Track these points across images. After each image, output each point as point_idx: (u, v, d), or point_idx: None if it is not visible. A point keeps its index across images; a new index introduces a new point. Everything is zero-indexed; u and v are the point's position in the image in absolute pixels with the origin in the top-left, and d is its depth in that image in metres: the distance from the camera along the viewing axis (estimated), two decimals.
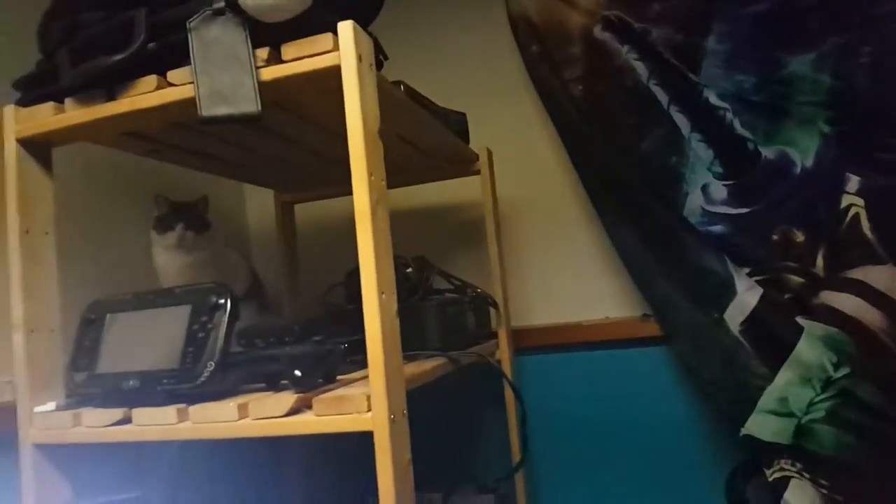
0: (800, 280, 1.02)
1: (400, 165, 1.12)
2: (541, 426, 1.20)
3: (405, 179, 1.19)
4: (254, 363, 0.70)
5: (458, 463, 1.28)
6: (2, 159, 0.75)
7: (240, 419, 0.62)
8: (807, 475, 0.92)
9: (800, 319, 0.97)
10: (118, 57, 0.66)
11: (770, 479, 0.95)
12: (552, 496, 1.25)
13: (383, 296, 0.61)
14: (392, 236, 0.65)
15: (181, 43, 0.63)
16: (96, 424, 0.67)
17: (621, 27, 1.09)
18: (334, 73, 0.62)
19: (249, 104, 0.62)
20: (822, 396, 0.93)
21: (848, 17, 0.99)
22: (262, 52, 0.64)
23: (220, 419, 0.62)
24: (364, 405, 0.59)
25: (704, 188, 1.07)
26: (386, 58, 0.79)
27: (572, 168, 1.22)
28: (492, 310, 1.16)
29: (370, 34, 0.68)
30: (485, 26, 1.31)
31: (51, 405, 0.71)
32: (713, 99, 1.05)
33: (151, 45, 0.66)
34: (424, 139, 1.01)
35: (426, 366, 0.80)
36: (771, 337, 0.98)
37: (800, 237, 1.02)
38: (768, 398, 0.96)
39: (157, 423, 0.64)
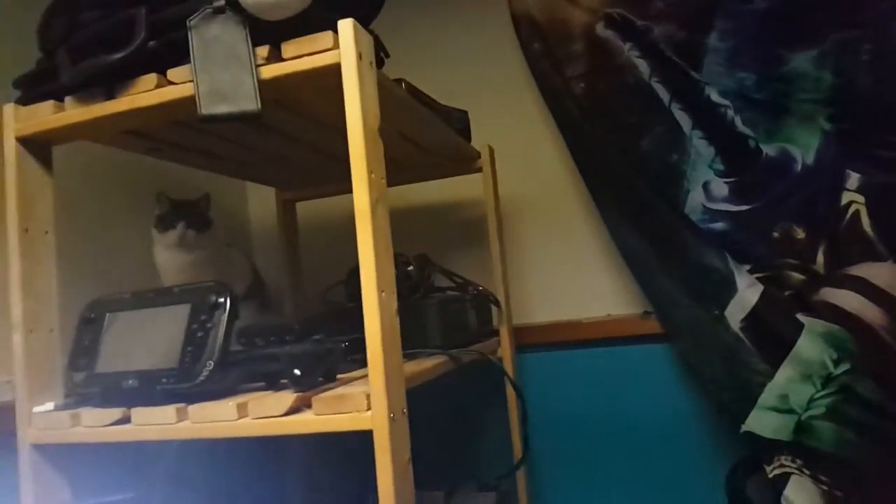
0: (800, 277, 1.02)
1: (401, 163, 1.12)
2: (542, 423, 1.21)
3: (407, 177, 1.19)
4: (253, 362, 0.70)
5: (459, 461, 1.28)
6: (1, 158, 0.74)
7: (239, 418, 0.62)
8: (807, 471, 0.92)
9: (800, 316, 0.97)
10: (118, 55, 0.66)
11: (770, 476, 0.95)
12: (553, 493, 1.25)
13: (383, 294, 0.61)
14: (393, 234, 0.65)
15: (181, 41, 0.63)
16: (95, 424, 0.67)
17: (623, 25, 1.09)
18: (334, 71, 0.62)
19: (249, 102, 0.62)
20: (822, 393, 0.93)
21: (849, 14, 0.99)
22: (263, 51, 0.64)
23: (219, 418, 0.62)
24: (363, 404, 0.59)
25: (705, 185, 1.07)
26: (387, 55, 0.78)
27: (574, 166, 1.22)
28: (493, 307, 1.16)
29: (371, 32, 0.68)
30: (487, 24, 1.31)
31: (49, 405, 0.71)
32: (714, 96, 1.05)
33: (151, 43, 0.66)
34: (426, 137, 1.01)
35: (427, 364, 0.80)
36: (771, 334, 0.98)
37: (800, 234, 1.02)
38: (769, 395, 0.96)
39: (156, 422, 0.64)
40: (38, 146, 0.76)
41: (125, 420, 0.66)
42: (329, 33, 0.62)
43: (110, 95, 0.69)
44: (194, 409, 0.63)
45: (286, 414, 0.61)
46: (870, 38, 0.98)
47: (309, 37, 0.63)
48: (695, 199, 1.07)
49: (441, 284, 1.09)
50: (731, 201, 1.05)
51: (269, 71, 0.64)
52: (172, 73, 0.67)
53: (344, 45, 0.62)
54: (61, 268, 0.76)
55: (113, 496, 0.65)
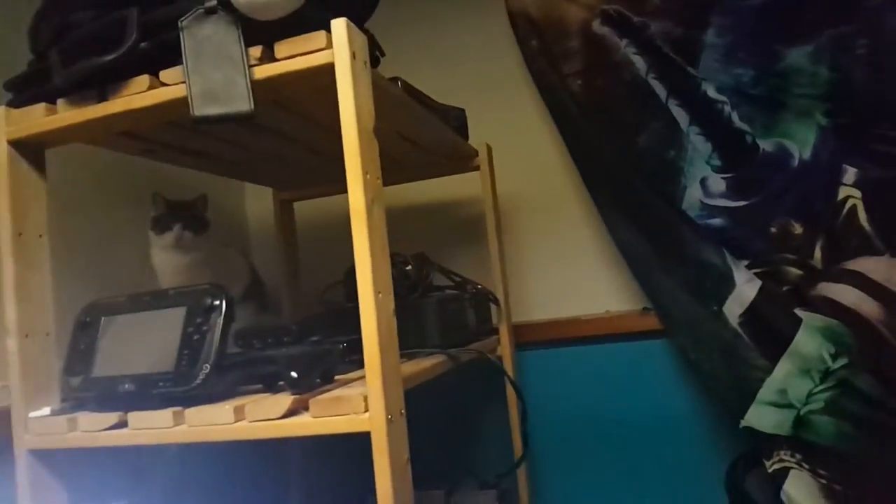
0: (798, 272, 1.02)
1: (399, 162, 1.12)
2: (542, 421, 1.21)
3: (404, 176, 1.19)
4: (250, 364, 0.70)
5: (460, 459, 1.28)
6: None
7: (236, 422, 0.61)
8: (806, 466, 0.93)
9: (798, 311, 0.97)
10: (110, 57, 0.65)
11: (770, 471, 0.95)
12: (554, 490, 1.25)
13: (380, 295, 0.60)
14: (391, 233, 0.65)
15: (173, 42, 0.63)
16: (92, 429, 0.66)
17: (620, 21, 1.09)
18: (328, 70, 0.62)
19: (242, 103, 0.62)
20: (820, 387, 0.93)
21: (844, 9, 0.99)
22: (255, 51, 0.63)
23: (216, 422, 0.62)
24: (361, 406, 0.59)
25: (703, 181, 1.06)
26: (382, 54, 0.78)
27: (572, 163, 1.22)
28: (492, 306, 1.16)
29: (366, 31, 0.68)
30: (484, 21, 1.31)
31: (46, 410, 0.71)
32: (711, 92, 1.05)
33: (143, 44, 0.65)
34: (423, 136, 1.01)
35: (426, 363, 0.80)
36: (770, 329, 0.98)
37: (798, 229, 1.02)
38: (767, 390, 0.96)
39: (153, 426, 0.64)
40: (31, 149, 0.75)
41: (122, 424, 0.66)
42: (322, 33, 0.62)
43: (103, 97, 0.69)
44: (191, 413, 0.63)
45: (283, 416, 0.61)
46: (865, 32, 0.98)
47: (302, 36, 0.63)
48: (692, 195, 1.07)
49: (440, 283, 1.09)
50: (728, 197, 1.05)
51: (262, 71, 0.63)
52: (165, 75, 0.67)
53: (337, 44, 0.62)
54: (56, 271, 0.76)
55: (113, 502, 0.64)
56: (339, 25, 0.62)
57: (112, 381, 0.67)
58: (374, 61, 0.74)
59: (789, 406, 0.94)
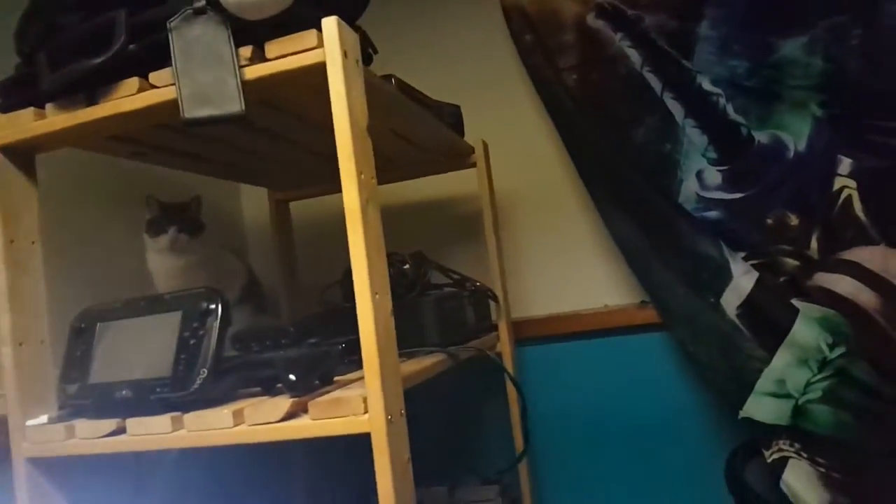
0: (794, 263, 1.02)
1: (394, 160, 1.11)
2: (543, 416, 1.21)
3: (400, 174, 1.18)
4: (248, 368, 0.69)
5: (461, 456, 1.29)
6: None
7: (235, 426, 0.61)
8: (804, 455, 0.93)
9: (795, 301, 0.98)
10: (98, 60, 0.64)
11: (769, 461, 0.96)
12: (556, 484, 1.25)
13: (377, 296, 0.60)
14: (388, 232, 0.64)
15: (162, 43, 0.62)
16: (90, 436, 0.66)
17: (615, 15, 1.08)
18: (320, 70, 0.61)
19: (233, 104, 0.61)
20: (818, 377, 0.94)
21: None
22: (246, 51, 0.63)
23: (215, 426, 0.61)
24: (360, 407, 0.59)
25: (699, 174, 1.06)
26: (375, 52, 0.77)
27: (568, 158, 1.21)
28: (491, 303, 1.16)
29: (358, 28, 0.67)
30: (478, 16, 1.30)
31: (43, 418, 0.70)
32: (706, 85, 1.04)
33: (132, 46, 0.64)
34: (418, 133, 1.00)
35: (425, 362, 0.80)
36: (767, 320, 0.98)
37: (794, 220, 1.02)
38: (766, 380, 0.96)
39: (151, 432, 0.63)
40: (21, 155, 0.74)
41: (120, 431, 0.65)
42: (313, 32, 0.61)
43: (92, 101, 0.68)
44: (190, 418, 0.63)
45: (283, 420, 0.61)
46: (859, 22, 0.98)
47: (292, 36, 0.62)
48: (688, 188, 1.07)
49: (438, 281, 1.09)
50: (724, 189, 1.05)
51: (253, 71, 0.63)
52: (154, 77, 0.66)
53: (328, 43, 0.61)
54: (50, 278, 0.75)
55: None
56: (329, 24, 0.61)
57: (109, 388, 0.67)
58: (367, 59, 0.73)
59: (787, 396, 0.95)
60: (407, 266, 0.99)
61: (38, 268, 0.74)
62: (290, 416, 0.61)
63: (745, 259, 1.02)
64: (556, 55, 1.13)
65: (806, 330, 0.95)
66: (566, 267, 1.28)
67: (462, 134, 1.12)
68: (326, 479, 1.23)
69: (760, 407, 0.97)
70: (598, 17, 1.09)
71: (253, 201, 1.43)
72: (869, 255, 0.98)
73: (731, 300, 0.99)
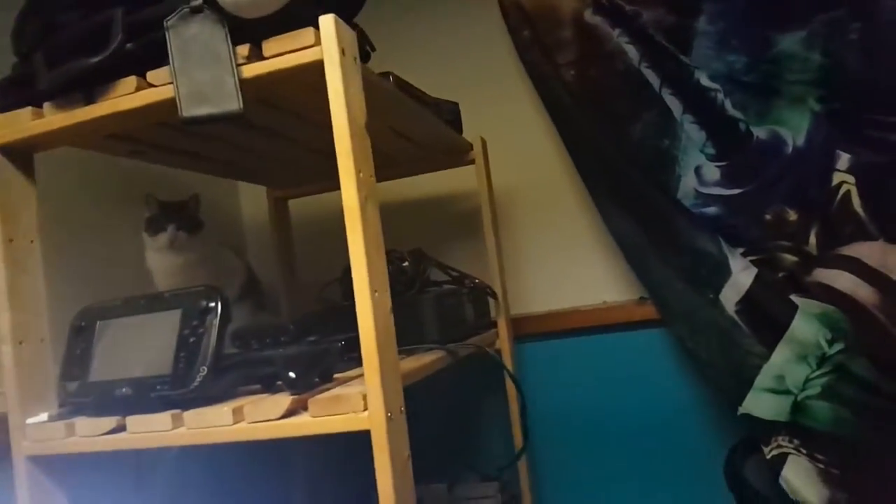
0: (793, 258, 1.02)
1: (393, 157, 1.11)
2: (542, 412, 1.21)
3: (399, 171, 1.18)
4: (248, 365, 0.69)
5: (461, 453, 1.29)
6: None
7: (235, 423, 0.61)
8: (804, 451, 0.93)
9: (794, 297, 0.98)
10: (96, 58, 0.64)
11: (768, 457, 0.96)
12: (555, 481, 1.26)
13: (376, 294, 0.60)
14: (386, 229, 0.65)
15: (160, 42, 0.62)
16: (90, 434, 0.66)
17: (612, 10, 1.08)
18: (317, 68, 0.61)
19: (231, 102, 0.61)
20: (817, 373, 0.94)
21: None
22: (243, 49, 0.63)
23: (215, 424, 0.62)
24: (360, 404, 0.59)
25: (697, 170, 1.06)
26: (373, 49, 0.77)
27: (567, 154, 1.21)
28: (490, 300, 1.16)
29: (356, 26, 0.67)
30: (475, 13, 1.30)
31: (43, 416, 0.71)
32: (704, 80, 1.04)
33: (129, 45, 0.64)
34: (417, 130, 1.00)
35: (425, 359, 0.80)
36: (766, 316, 0.98)
37: (792, 216, 1.02)
38: (765, 376, 0.96)
39: (151, 430, 0.63)
40: (19, 154, 0.74)
41: (120, 429, 0.65)
42: (310, 30, 0.61)
43: (90, 100, 0.68)
44: (190, 416, 0.63)
45: (282, 417, 0.61)
46: (857, 17, 0.98)
47: (290, 34, 0.62)
48: (687, 184, 1.07)
49: (437, 278, 1.09)
50: (723, 185, 1.05)
51: (251, 70, 0.63)
52: (152, 76, 0.66)
53: (326, 41, 0.61)
54: (50, 276, 0.75)
55: None
56: (327, 22, 0.61)
57: (109, 386, 0.67)
58: (365, 56, 0.73)
59: (787, 392, 0.95)
60: (406, 263, 0.99)
61: (37, 266, 0.74)
62: (289, 413, 0.61)
63: (744, 255, 1.02)
64: (553, 51, 1.13)
65: (805, 326, 0.95)
66: (565, 263, 1.28)
67: (460, 131, 1.12)
68: (326, 477, 1.23)
69: (759, 403, 0.97)
70: (595, 12, 1.09)
71: (251, 199, 1.43)
72: (868, 251, 0.98)
73: (730, 296, 0.99)
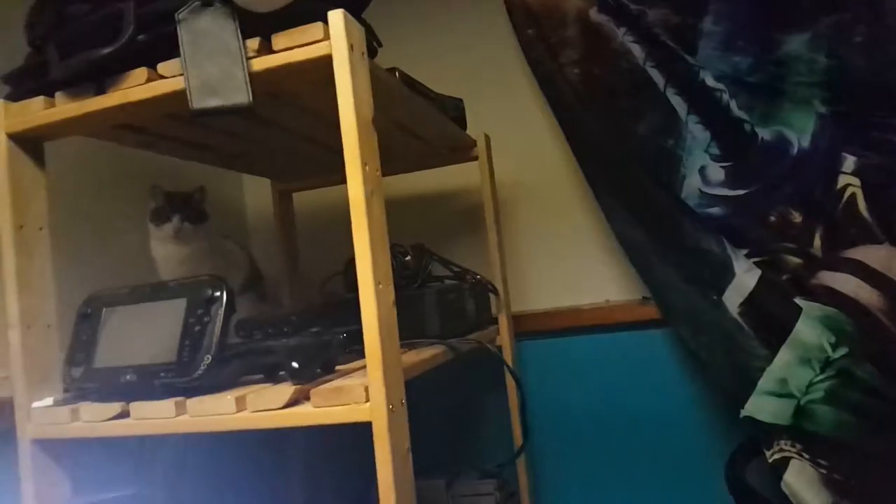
0: (798, 261, 1.01)
1: (396, 152, 1.12)
2: (542, 410, 1.21)
3: (402, 167, 1.19)
4: (252, 355, 0.70)
5: (460, 449, 1.29)
6: None
7: (238, 412, 0.62)
8: (806, 456, 0.92)
9: (798, 300, 0.97)
10: (107, 50, 0.65)
11: (770, 461, 0.95)
12: (554, 479, 1.26)
13: (380, 286, 0.61)
14: (389, 224, 0.65)
15: (171, 35, 0.63)
16: (94, 419, 0.67)
17: (617, 9, 1.08)
18: (326, 62, 0.62)
19: (240, 95, 0.62)
20: (821, 377, 0.93)
21: None
22: (253, 43, 0.63)
23: (218, 412, 0.62)
24: (362, 396, 0.59)
25: (702, 170, 1.06)
26: (380, 45, 0.78)
27: (570, 152, 1.21)
28: (492, 296, 1.16)
29: (363, 21, 0.67)
30: (480, 10, 1.30)
31: (48, 400, 0.71)
32: (709, 80, 1.04)
33: (141, 37, 0.65)
34: (421, 126, 1.01)
35: (425, 354, 0.80)
36: (769, 318, 0.97)
37: (797, 218, 1.02)
38: (768, 379, 0.96)
39: (155, 416, 0.64)
40: (30, 142, 0.75)
41: (124, 415, 0.66)
42: (319, 24, 0.62)
43: (101, 90, 0.69)
44: (193, 403, 0.63)
45: (285, 406, 0.61)
46: (863, 19, 0.97)
47: (299, 28, 0.63)
48: (691, 184, 1.07)
49: (439, 274, 1.09)
50: (727, 186, 1.05)
51: (260, 63, 0.63)
52: (163, 67, 0.67)
53: (335, 36, 0.61)
54: (58, 263, 0.76)
55: (115, 492, 0.65)
56: (336, 17, 0.62)
57: (114, 372, 0.68)
58: (372, 52, 0.74)
59: (789, 396, 0.94)
60: (408, 258, 0.99)
61: (45, 253, 0.75)
62: (292, 403, 0.62)
63: (748, 256, 1.01)
64: (558, 49, 1.12)
65: (808, 329, 0.95)
66: (567, 261, 1.28)
67: (464, 127, 1.12)
68: (324, 469, 1.24)
69: (762, 406, 0.96)
70: (600, 11, 1.09)
71: (255, 192, 1.44)
72: (873, 254, 0.97)
73: (734, 298, 0.99)
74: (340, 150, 0.61)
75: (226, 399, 0.62)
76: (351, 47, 0.62)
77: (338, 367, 0.71)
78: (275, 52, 0.64)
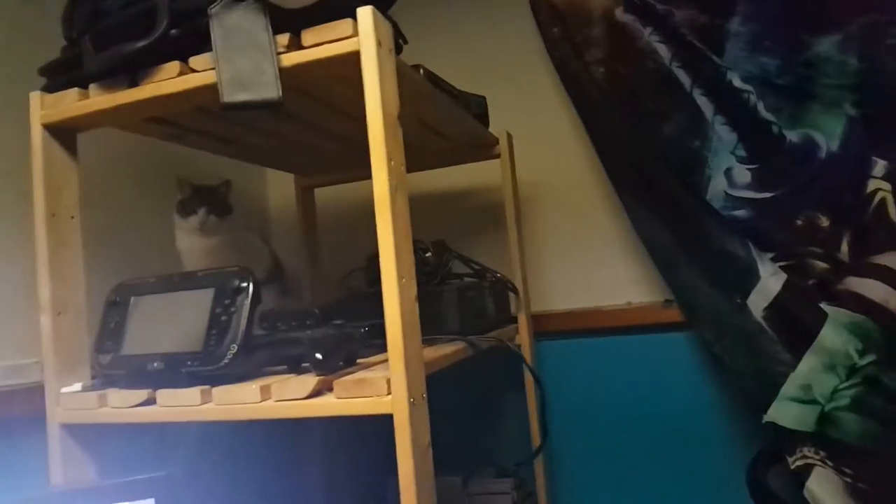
0: (824, 266, 1.00)
1: (419, 149, 1.12)
2: (561, 411, 1.21)
3: (424, 163, 1.19)
4: (276, 346, 0.71)
5: (477, 447, 1.29)
6: (28, 145, 0.76)
7: (262, 401, 0.63)
8: (830, 463, 0.91)
9: (824, 305, 0.96)
10: (141, 43, 0.66)
11: (792, 467, 0.94)
12: (571, 481, 1.25)
13: (403, 281, 0.61)
14: (411, 220, 0.65)
15: (203, 29, 0.64)
16: (121, 405, 0.68)
17: (644, 9, 1.08)
18: (354, 58, 0.62)
19: (270, 90, 0.63)
20: (846, 384, 0.92)
21: None
22: (283, 39, 0.64)
23: (242, 401, 0.63)
24: (384, 388, 0.60)
25: (727, 172, 1.05)
26: (405, 42, 0.78)
27: (593, 151, 1.21)
28: (511, 295, 1.16)
29: (390, 18, 0.68)
30: (505, 7, 1.30)
31: (77, 386, 0.73)
32: (737, 82, 1.03)
33: (174, 31, 0.66)
34: (444, 123, 1.01)
35: (445, 350, 0.80)
36: (794, 323, 0.96)
37: (824, 222, 1.00)
38: (791, 385, 0.95)
39: (180, 404, 0.65)
40: (64, 133, 0.77)
41: (151, 401, 0.67)
42: (348, 21, 0.63)
43: (134, 83, 0.70)
44: (218, 392, 0.64)
45: (308, 397, 0.62)
46: (894, 21, 0.95)
47: (328, 24, 0.63)
48: (717, 186, 1.06)
49: (459, 271, 1.09)
50: (753, 188, 1.03)
51: (290, 59, 0.64)
52: (195, 61, 0.68)
53: (363, 32, 0.62)
54: (88, 252, 0.78)
55: (140, 475, 0.66)
56: (365, 13, 0.62)
57: (141, 360, 0.69)
58: (398, 49, 0.74)
59: (813, 402, 0.93)
60: (429, 254, 0.99)
61: (76, 241, 0.77)
62: (315, 393, 0.62)
63: (774, 260, 1.00)
64: (583, 49, 1.12)
65: (834, 335, 0.93)
66: (588, 262, 1.27)
67: (487, 125, 1.12)
68: (345, 463, 1.25)
69: (785, 412, 0.95)
70: (626, 10, 1.08)
71: (278, 187, 1.45)
72: None
73: (758, 301, 0.98)
74: (364, 146, 0.62)
75: (251, 388, 0.63)
76: (379, 44, 0.62)
77: (359, 361, 0.71)
78: (304, 47, 0.64)
